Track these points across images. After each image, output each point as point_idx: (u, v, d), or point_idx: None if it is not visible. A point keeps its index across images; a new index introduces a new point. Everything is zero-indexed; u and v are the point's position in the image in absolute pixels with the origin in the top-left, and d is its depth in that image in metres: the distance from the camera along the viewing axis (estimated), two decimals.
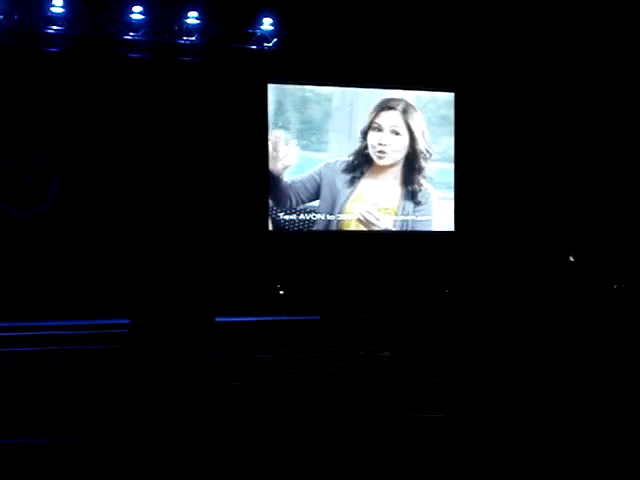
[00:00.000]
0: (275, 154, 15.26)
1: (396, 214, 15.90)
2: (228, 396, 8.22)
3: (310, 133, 15.49)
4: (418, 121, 15.90)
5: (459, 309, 14.56)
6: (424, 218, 16.10)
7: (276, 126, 15.29)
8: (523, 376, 9.13)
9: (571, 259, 16.35)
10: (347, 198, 15.61)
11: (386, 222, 15.86)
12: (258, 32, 14.74)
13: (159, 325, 10.32)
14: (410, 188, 15.94)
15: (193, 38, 14.49)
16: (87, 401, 8.21)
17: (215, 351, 10.17)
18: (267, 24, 14.70)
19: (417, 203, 16.02)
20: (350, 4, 14.80)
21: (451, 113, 16.21)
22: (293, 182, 15.35)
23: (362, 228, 15.74)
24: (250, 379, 8.94)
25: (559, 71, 16.16)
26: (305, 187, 15.42)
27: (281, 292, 15.02)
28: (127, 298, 13.69)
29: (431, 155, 16.02)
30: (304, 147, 15.46)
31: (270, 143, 15.18)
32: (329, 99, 15.64)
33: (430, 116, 16.10)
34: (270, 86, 15.20)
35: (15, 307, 13.13)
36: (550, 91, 16.32)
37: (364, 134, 15.62)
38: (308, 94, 15.54)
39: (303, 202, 15.40)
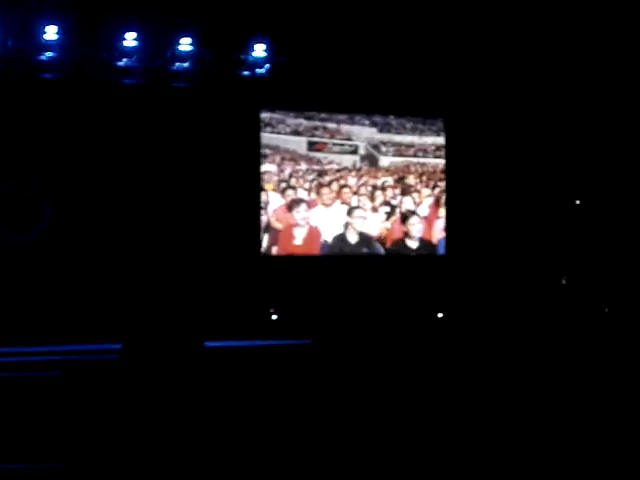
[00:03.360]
0: None
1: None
2: (216, 419, 8.23)
3: None
4: None
5: (452, 332, 14.59)
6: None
7: None
8: (516, 394, 9.16)
9: (563, 282, 16.38)
10: None
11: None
12: (250, 58, 14.82)
13: (149, 350, 10.35)
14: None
15: (186, 64, 14.57)
16: (76, 426, 8.23)
17: (203, 376, 10.18)
18: (259, 50, 14.78)
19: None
20: (343, 30, 14.90)
21: None
22: None
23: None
24: (237, 403, 8.96)
25: (547, 95, 16.25)
26: None
27: (274, 316, 15.05)
28: (120, 322, 13.73)
29: None
30: None
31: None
32: None
33: None
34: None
35: (6, 332, 13.14)
36: (538, 114, 16.40)
37: None
38: None
39: None
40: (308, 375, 10.78)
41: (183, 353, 10.51)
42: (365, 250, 15.90)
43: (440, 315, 15.76)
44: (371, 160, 16.03)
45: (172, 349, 10.46)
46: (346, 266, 15.70)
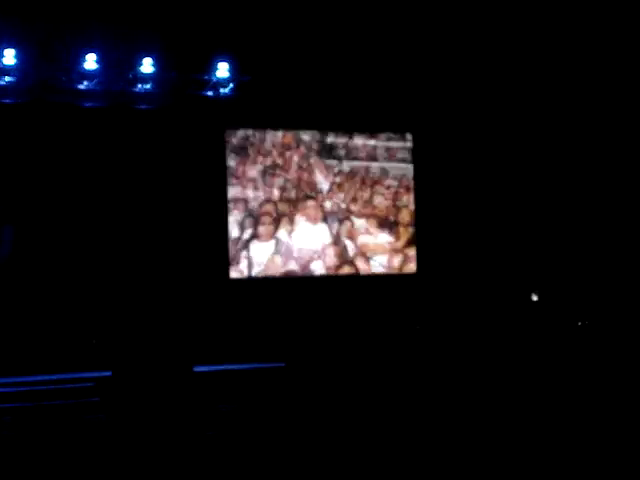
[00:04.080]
0: None
1: None
2: (192, 447, 8.06)
3: None
4: None
5: (427, 351, 14.47)
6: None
7: None
8: (488, 410, 9.10)
9: (534, 298, 16.36)
10: None
11: None
12: (214, 78, 14.67)
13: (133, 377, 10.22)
14: None
15: (148, 86, 14.38)
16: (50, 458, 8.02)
17: (177, 402, 10.01)
18: (223, 70, 14.63)
19: None
20: (306, 48, 14.82)
21: None
22: None
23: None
24: (213, 429, 8.80)
25: (518, 113, 16.33)
26: None
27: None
28: (87, 351, 13.52)
29: None
30: None
31: None
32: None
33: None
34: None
35: None
36: (508, 132, 16.45)
37: None
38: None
39: None
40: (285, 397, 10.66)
41: (171, 378, 10.37)
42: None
43: (415, 332, 15.65)
44: None
45: (159, 374, 10.34)
46: (319, 286, 15.55)
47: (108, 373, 12.00)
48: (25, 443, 9.08)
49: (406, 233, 16.25)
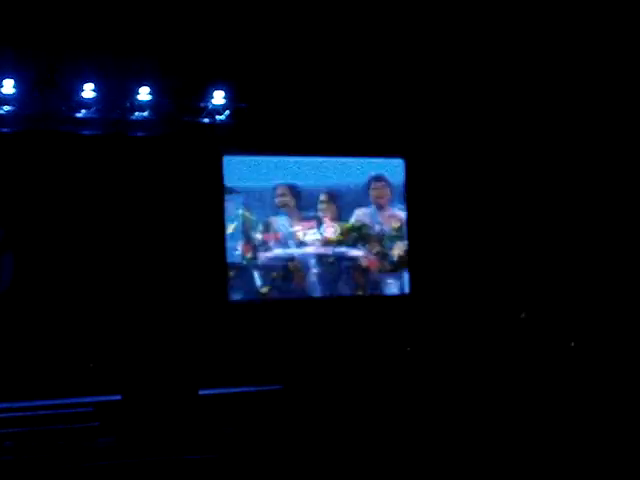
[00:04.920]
0: None
1: None
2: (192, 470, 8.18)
3: None
4: None
5: (420, 372, 14.60)
6: None
7: None
8: (481, 430, 9.21)
9: (522, 316, 16.48)
10: None
11: None
12: (210, 105, 14.87)
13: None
14: None
15: (145, 113, 14.57)
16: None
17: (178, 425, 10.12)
18: (218, 97, 14.84)
19: None
20: (301, 74, 15.02)
21: None
22: None
23: None
24: (213, 452, 8.90)
25: (506, 139, 16.52)
26: None
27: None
28: (89, 376, 13.62)
29: None
30: None
31: None
32: None
33: None
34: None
35: None
36: (497, 156, 16.63)
37: None
38: None
39: None
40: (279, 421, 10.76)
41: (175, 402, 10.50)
42: None
43: (408, 350, 15.77)
44: None
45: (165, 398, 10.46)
46: (314, 308, 15.69)
47: (108, 397, 12.13)
48: (27, 468, 9.18)
49: None
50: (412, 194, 16.44)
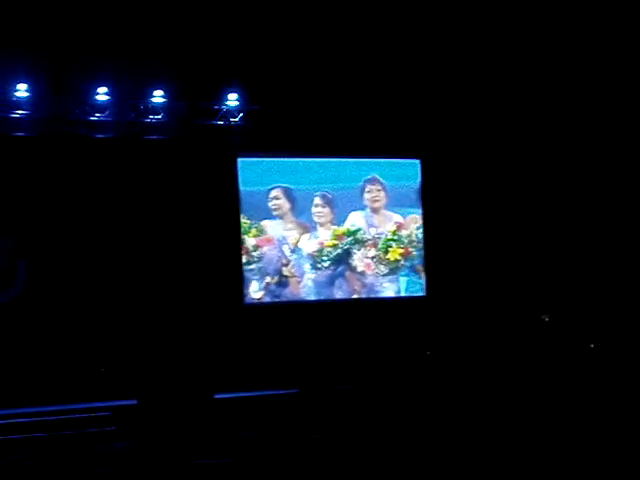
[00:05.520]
0: None
1: None
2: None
3: None
4: None
5: (439, 375, 14.51)
6: None
7: None
8: (505, 434, 9.13)
9: (545, 319, 16.37)
10: None
11: None
12: (224, 107, 14.84)
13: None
14: None
15: (159, 116, 14.55)
16: None
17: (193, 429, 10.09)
18: (232, 99, 14.81)
19: None
20: (313, 75, 14.97)
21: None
22: None
23: None
24: (229, 456, 8.86)
25: (527, 135, 16.39)
26: None
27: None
28: (103, 381, 13.59)
29: None
30: None
31: None
32: None
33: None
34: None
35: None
36: (516, 155, 16.51)
37: None
38: None
39: None
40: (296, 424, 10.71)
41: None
42: None
43: (428, 354, 15.67)
44: None
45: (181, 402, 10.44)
46: (328, 311, 15.60)
47: (124, 402, 12.09)
48: (44, 473, 9.16)
49: None
50: (427, 195, 16.33)
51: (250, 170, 15.38)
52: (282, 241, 15.48)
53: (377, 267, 16.07)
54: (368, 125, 15.52)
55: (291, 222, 15.57)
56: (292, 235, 15.51)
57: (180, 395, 10.98)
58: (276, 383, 13.83)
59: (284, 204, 15.52)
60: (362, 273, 15.95)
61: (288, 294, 15.52)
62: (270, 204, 15.47)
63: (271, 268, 15.40)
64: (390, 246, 16.13)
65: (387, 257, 16.12)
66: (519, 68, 15.79)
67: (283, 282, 15.49)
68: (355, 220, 15.93)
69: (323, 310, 15.57)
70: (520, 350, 15.30)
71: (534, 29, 15.33)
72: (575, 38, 15.45)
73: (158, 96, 14.39)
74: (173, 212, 14.72)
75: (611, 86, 15.94)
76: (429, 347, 15.73)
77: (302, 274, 15.59)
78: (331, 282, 15.76)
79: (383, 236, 16.13)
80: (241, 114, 14.94)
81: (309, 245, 15.61)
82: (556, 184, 16.61)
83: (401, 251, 16.19)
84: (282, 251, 15.48)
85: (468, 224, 16.43)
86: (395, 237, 16.19)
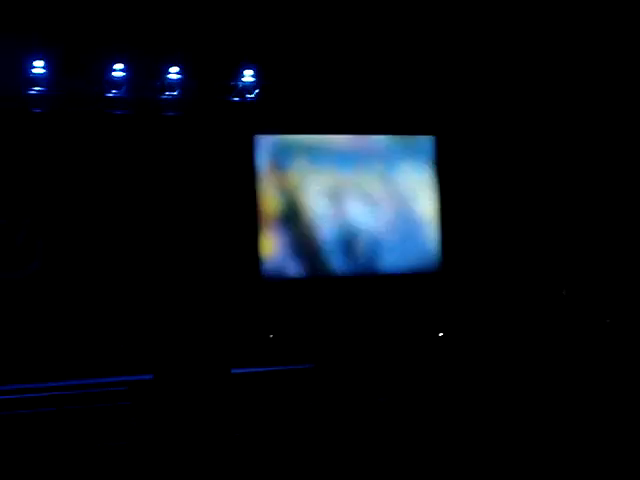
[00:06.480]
0: None
1: None
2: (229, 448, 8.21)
3: None
4: None
5: (454, 351, 14.53)
6: None
7: None
8: (519, 412, 9.15)
9: (564, 293, 16.35)
10: None
11: None
12: (240, 84, 14.84)
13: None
14: None
15: (175, 93, 14.56)
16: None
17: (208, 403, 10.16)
18: (248, 76, 14.80)
19: None
20: (329, 52, 14.94)
21: None
22: None
23: None
24: (248, 430, 8.93)
25: (542, 113, 16.32)
26: None
27: (271, 336, 14.94)
28: (120, 357, 13.70)
29: None
30: None
31: None
32: None
33: None
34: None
35: (5, 370, 13.03)
36: (534, 129, 16.44)
37: None
38: None
39: None
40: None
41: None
42: None
43: (441, 334, 15.68)
44: None
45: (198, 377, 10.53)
46: (341, 287, 15.63)
47: (140, 377, 12.17)
48: (61, 446, 9.26)
49: None
50: (444, 165, 16.29)
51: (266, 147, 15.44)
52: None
53: None
54: (383, 102, 15.49)
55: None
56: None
57: (197, 370, 11.04)
58: (294, 358, 13.89)
59: None
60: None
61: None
62: None
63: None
64: None
65: None
66: (539, 45, 15.70)
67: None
68: None
69: (341, 285, 15.63)
70: (538, 326, 15.29)
71: (551, 13, 15.27)
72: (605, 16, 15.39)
73: (174, 72, 14.39)
74: (190, 187, 14.78)
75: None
76: (443, 327, 15.75)
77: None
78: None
79: None
80: (257, 90, 14.94)
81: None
82: (575, 158, 16.55)
83: None
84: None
85: (487, 200, 16.39)
86: None
